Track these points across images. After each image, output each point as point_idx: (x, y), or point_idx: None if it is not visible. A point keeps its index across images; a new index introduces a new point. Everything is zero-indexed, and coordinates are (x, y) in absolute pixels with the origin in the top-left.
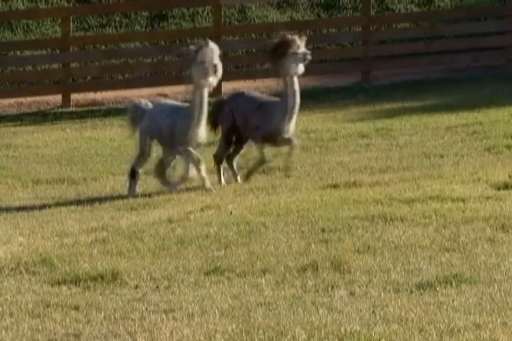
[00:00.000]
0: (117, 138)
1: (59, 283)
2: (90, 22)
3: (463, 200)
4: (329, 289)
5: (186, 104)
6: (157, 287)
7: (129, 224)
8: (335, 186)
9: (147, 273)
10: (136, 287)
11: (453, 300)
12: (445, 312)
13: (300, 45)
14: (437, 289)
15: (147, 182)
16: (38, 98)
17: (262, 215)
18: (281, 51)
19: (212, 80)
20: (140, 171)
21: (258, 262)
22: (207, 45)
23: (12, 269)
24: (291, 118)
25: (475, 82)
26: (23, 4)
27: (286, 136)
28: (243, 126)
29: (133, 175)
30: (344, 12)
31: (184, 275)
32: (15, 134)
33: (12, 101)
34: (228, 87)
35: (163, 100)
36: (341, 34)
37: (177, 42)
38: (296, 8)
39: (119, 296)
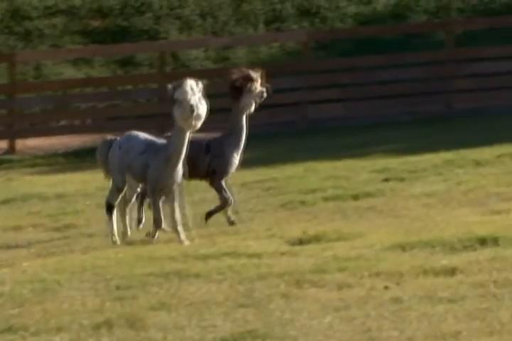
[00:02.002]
0: None
1: None
2: None
3: (258, 256)
4: None
5: (162, 141)
6: None
7: None
8: (130, 243)
9: None
10: None
11: None
12: None
13: (258, 82)
14: None
15: None
16: None
17: (56, 273)
18: (239, 88)
19: (193, 121)
20: (116, 205)
21: (52, 320)
22: (184, 82)
23: None
24: (239, 153)
25: (271, 139)
26: None
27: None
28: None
29: (110, 209)
30: (140, 69)
31: None
32: None
33: None
34: (23, 145)
35: (135, 132)
36: (137, 91)
37: None
38: (92, 65)
39: None
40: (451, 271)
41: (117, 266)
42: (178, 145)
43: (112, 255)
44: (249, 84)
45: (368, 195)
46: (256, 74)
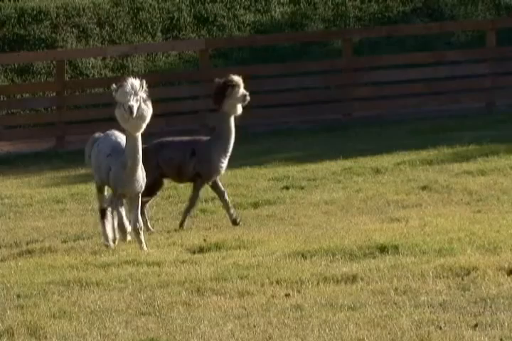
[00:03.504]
0: None
1: None
2: None
3: (158, 264)
4: None
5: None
6: None
7: None
8: (30, 252)
9: None
10: None
11: None
12: None
13: (241, 86)
14: None
15: None
16: None
17: None
18: (223, 92)
19: (135, 122)
20: (106, 207)
21: None
22: (125, 83)
23: None
24: (227, 156)
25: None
26: None
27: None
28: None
29: (102, 215)
30: (38, 77)
31: None
32: None
33: None
34: None
35: (112, 132)
36: (35, 99)
37: None
38: None
39: None
40: (352, 279)
41: (18, 275)
42: (131, 150)
43: (12, 263)
44: (230, 89)
45: (268, 202)
46: (238, 79)
